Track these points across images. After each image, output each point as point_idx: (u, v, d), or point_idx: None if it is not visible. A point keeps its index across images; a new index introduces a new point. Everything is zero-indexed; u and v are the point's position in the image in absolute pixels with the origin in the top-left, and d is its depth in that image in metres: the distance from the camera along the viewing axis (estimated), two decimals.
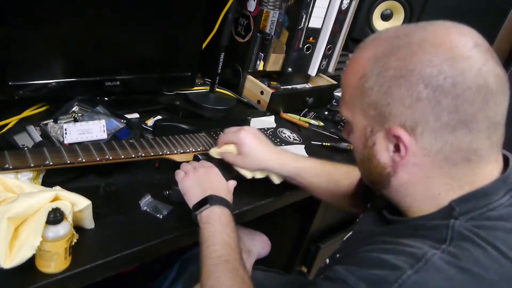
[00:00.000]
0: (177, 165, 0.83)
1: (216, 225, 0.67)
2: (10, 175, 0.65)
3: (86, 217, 0.65)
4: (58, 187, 0.63)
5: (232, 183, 0.78)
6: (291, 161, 0.84)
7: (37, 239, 0.56)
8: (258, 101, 1.31)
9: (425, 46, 0.48)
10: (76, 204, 0.62)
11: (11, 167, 0.65)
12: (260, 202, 0.87)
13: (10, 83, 0.86)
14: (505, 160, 0.54)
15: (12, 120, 0.88)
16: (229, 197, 0.74)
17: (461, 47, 0.47)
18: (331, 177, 0.86)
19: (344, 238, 0.69)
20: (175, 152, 0.83)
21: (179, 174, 0.75)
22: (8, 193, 0.62)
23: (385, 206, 0.61)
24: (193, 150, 0.86)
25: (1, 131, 0.84)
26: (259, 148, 0.82)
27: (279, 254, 0.92)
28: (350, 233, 0.68)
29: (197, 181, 0.73)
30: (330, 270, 0.50)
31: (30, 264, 0.57)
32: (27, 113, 0.93)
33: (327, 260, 0.65)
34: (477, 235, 0.46)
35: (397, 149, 0.51)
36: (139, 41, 1.05)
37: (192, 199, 0.72)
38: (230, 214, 0.70)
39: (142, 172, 0.84)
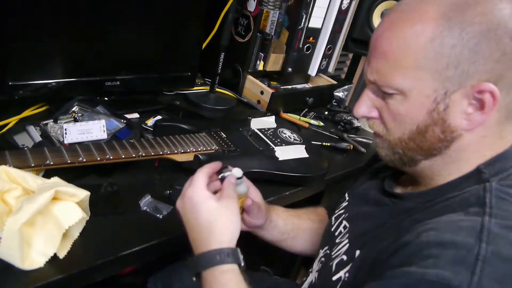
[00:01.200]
0: (177, 165, 0.84)
1: None
2: None
3: (85, 207, 0.66)
4: (56, 178, 0.64)
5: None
6: (278, 219, 0.79)
7: (52, 250, 0.58)
8: (258, 101, 1.31)
9: (499, 0, 0.48)
10: (76, 195, 0.63)
11: (11, 166, 0.65)
12: None
13: (10, 83, 0.86)
14: None
15: (12, 120, 0.88)
16: (234, 235, 0.56)
17: None
18: (314, 233, 0.82)
19: (333, 229, 0.67)
20: (176, 152, 0.83)
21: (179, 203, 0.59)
22: (12, 184, 0.62)
23: (382, 181, 0.62)
24: (194, 150, 0.86)
25: (1, 131, 0.84)
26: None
27: (280, 254, 0.91)
28: (344, 222, 0.67)
29: (207, 218, 0.55)
30: (390, 277, 0.45)
31: None
32: (27, 113, 0.93)
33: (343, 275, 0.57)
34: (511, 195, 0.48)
35: (479, 107, 0.50)
36: (139, 41, 1.05)
37: (195, 242, 0.56)
38: (233, 270, 0.53)
39: (142, 172, 0.84)
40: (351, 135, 1.28)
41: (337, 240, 0.66)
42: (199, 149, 0.87)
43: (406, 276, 0.43)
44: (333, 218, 0.72)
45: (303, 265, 1.53)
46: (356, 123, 1.34)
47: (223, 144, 0.92)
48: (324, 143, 1.18)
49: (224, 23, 1.15)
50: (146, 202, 0.75)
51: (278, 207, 0.82)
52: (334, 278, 0.58)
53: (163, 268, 0.95)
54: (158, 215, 0.73)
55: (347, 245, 0.61)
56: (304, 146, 1.06)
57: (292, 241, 0.82)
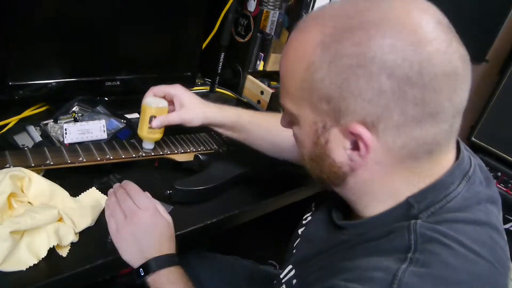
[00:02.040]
0: (177, 165, 0.84)
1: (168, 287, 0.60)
2: None
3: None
4: (72, 202, 0.67)
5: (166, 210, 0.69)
6: (228, 108, 0.80)
7: (33, 260, 0.58)
8: (258, 101, 1.31)
9: (382, 28, 0.40)
10: (77, 226, 0.64)
11: (12, 167, 0.65)
12: (260, 202, 0.87)
13: (10, 83, 0.86)
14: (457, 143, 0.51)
15: (12, 120, 0.88)
16: (172, 241, 0.65)
17: (425, 27, 0.41)
18: (271, 130, 0.79)
19: (294, 244, 0.63)
20: (176, 152, 0.83)
21: (110, 226, 0.63)
22: (18, 189, 0.63)
23: (334, 206, 0.56)
24: (194, 149, 0.86)
25: (1, 131, 0.84)
26: (195, 97, 0.78)
27: (281, 253, 0.92)
28: (298, 240, 0.63)
29: (133, 237, 0.62)
30: None
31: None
32: (27, 113, 0.93)
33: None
34: (441, 233, 0.43)
35: (355, 147, 0.44)
36: (139, 41, 1.05)
37: (131, 261, 0.62)
38: (178, 270, 0.62)
39: (142, 172, 0.84)
40: None
41: (287, 257, 0.63)
42: (199, 149, 0.87)
43: None
44: (298, 231, 0.66)
45: None
46: None
47: (223, 144, 0.92)
48: None
49: (224, 23, 1.15)
50: None
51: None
52: None
53: None
54: None
55: (292, 269, 0.59)
56: None
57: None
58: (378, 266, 0.42)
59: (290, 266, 0.59)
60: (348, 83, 0.41)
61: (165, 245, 0.63)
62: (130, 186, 0.67)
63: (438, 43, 0.41)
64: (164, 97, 0.79)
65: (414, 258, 0.41)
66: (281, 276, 0.59)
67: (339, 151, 0.46)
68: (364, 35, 0.41)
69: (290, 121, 0.51)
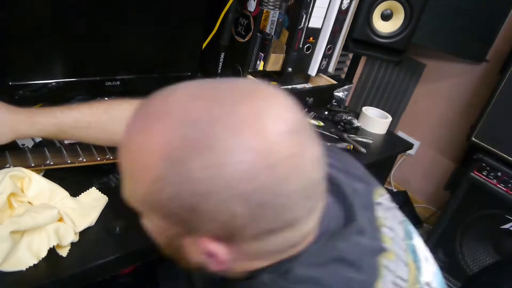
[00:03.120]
0: None
1: None
2: None
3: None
4: (72, 203, 0.66)
5: None
6: (46, 117, 0.68)
7: (33, 260, 0.58)
8: None
9: (235, 150, 0.37)
10: (77, 226, 0.64)
11: (12, 167, 0.65)
12: None
13: (10, 83, 0.86)
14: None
15: None
16: None
17: (280, 144, 0.38)
18: (105, 129, 0.71)
19: None
20: None
21: None
22: (18, 189, 0.63)
23: None
24: None
25: None
26: (1, 110, 0.66)
27: None
28: None
29: None
30: None
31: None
32: None
33: None
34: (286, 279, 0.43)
35: (210, 255, 0.42)
36: (139, 41, 1.05)
37: None
38: None
39: None
40: (351, 135, 1.28)
41: None
42: None
43: None
44: None
45: None
46: (356, 123, 1.34)
47: None
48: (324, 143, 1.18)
49: (224, 23, 1.15)
50: None
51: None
52: None
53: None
54: None
55: None
56: None
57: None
58: None
59: None
60: (200, 208, 0.38)
61: None
62: None
63: (292, 160, 0.39)
64: None
65: None
66: None
67: (195, 255, 0.44)
68: (215, 158, 0.37)
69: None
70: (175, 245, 0.44)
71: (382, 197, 0.59)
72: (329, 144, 0.66)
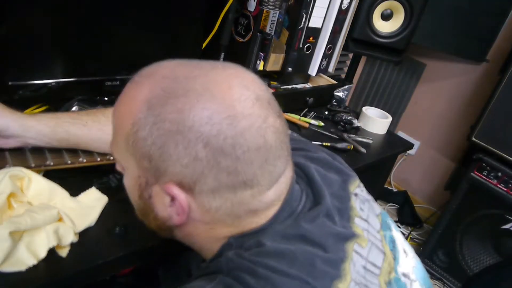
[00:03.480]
0: None
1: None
2: None
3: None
4: (73, 202, 0.66)
5: None
6: (35, 122, 0.69)
7: (33, 260, 0.57)
8: None
9: (204, 98, 0.43)
10: (76, 226, 0.64)
11: (12, 167, 0.65)
12: None
13: (10, 83, 0.86)
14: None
15: None
16: None
17: (243, 102, 0.44)
18: (103, 129, 0.72)
19: None
20: None
21: None
22: (18, 189, 0.63)
23: None
24: None
25: None
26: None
27: None
28: None
29: None
30: None
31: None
32: (27, 113, 0.93)
33: None
34: (249, 260, 0.45)
35: (174, 205, 0.47)
36: (139, 40, 1.05)
37: None
38: None
39: None
40: (351, 135, 1.28)
41: None
42: None
43: None
44: None
45: None
46: (356, 123, 1.34)
47: None
48: (324, 143, 1.18)
49: (224, 23, 1.15)
50: None
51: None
52: None
53: (172, 257, 0.97)
54: None
55: None
56: None
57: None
58: (194, 285, 0.45)
59: None
60: (168, 147, 0.44)
61: None
62: None
63: (253, 118, 0.44)
64: None
65: (222, 280, 0.44)
66: None
67: (161, 207, 0.49)
68: (186, 103, 0.43)
69: (120, 169, 0.53)
70: (145, 198, 0.49)
71: (358, 188, 0.60)
72: (304, 139, 0.70)
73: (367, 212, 0.57)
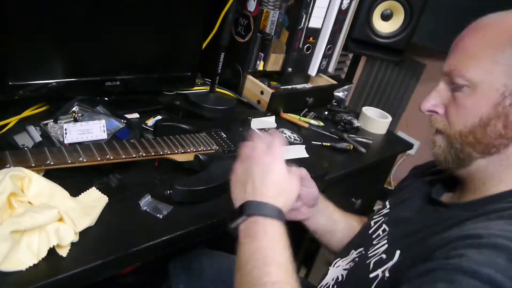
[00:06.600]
0: (177, 165, 0.84)
1: (263, 240, 0.53)
2: None
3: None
4: (72, 202, 0.66)
5: (301, 176, 0.66)
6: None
7: (33, 260, 0.57)
8: (258, 101, 1.31)
9: None
10: (77, 226, 0.64)
11: (12, 167, 0.65)
12: None
13: (10, 83, 0.86)
14: None
15: (12, 120, 0.88)
16: (288, 203, 0.60)
17: None
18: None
19: (373, 231, 0.70)
20: (176, 152, 0.83)
21: (244, 150, 0.62)
22: (18, 189, 0.63)
23: (433, 191, 0.66)
24: (194, 150, 0.86)
25: (1, 131, 0.84)
26: None
27: None
28: (383, 225, 0.69)
29: (247, 173, 0.58)
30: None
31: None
32: (27, 113, 0.93)
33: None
34: None
35: None
36: (139, 41, 1.05)
37: (239, 195, 0.59)
38: (281, 227, 0.56)
39: (142, 172, 0.84)
40: (351, 135, 1.28)
41: (374, 242, 0.68)
42: (199, 149, 0.87)
43: (457, 269, 0.44)
44: (372, 222, 0.75)
45: (302, 264, 1.53)
46: (356, 123, 1.34)
47: (223, 144, 0.92)
48: (324, 143, 1.18)
49: (224, 23, 1.15)
50: (146, 202, 0.75)
51: (325, 200, 0.86)
52: (371, 275, 0.60)
53: (182, 253, 0.97)
54: (158, 215, 0.73)
55: (386, 245, 0.63)
56: (304, 146, 1.06)
57: (331, 235, 0.86)
58: (504, 228, 0.46)
59: (385, 246, 0.63)
60: None
61: (281, 199, 0.58)
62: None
63: None
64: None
65: None
66: (371, 254, 0.64)
67: None
68: None
69: (453, 91, 0.60)
70: (504, 105, 0.55)
71: None
72: None
73: None
